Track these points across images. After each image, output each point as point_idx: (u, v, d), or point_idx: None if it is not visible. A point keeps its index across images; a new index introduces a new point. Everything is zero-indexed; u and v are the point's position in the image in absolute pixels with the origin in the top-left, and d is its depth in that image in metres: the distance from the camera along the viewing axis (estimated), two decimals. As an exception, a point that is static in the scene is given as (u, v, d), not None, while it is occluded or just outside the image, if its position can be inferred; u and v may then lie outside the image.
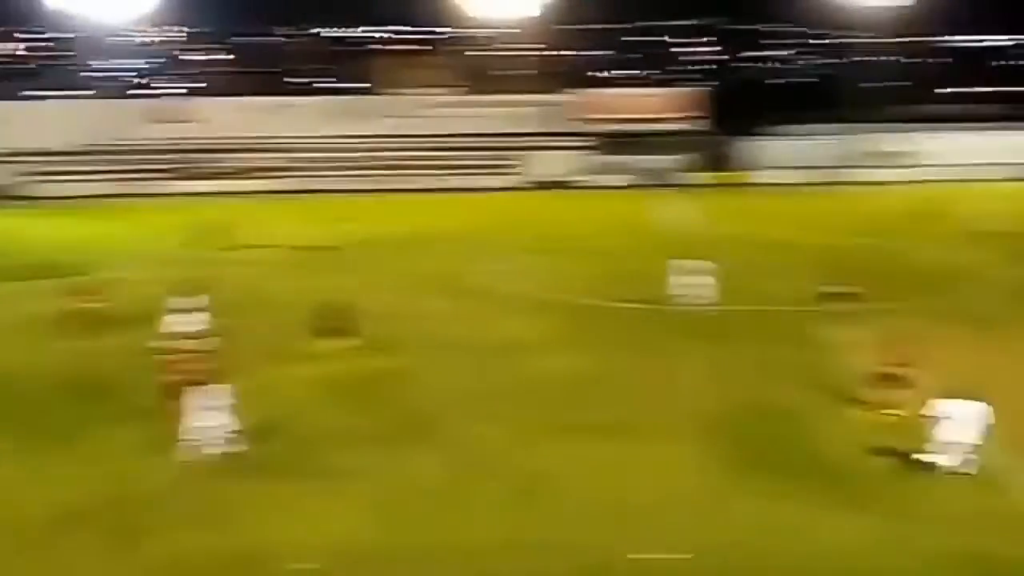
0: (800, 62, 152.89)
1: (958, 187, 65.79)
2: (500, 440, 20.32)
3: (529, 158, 75.36)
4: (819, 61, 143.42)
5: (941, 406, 18.23)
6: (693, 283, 32.09)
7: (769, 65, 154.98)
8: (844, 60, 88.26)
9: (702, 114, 77.98)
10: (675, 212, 54.75)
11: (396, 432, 20.80)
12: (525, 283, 36.38)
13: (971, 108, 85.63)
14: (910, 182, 68.37)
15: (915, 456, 18.40)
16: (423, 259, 41.68)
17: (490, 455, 19.57)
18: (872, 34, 74.62)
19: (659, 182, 72.89)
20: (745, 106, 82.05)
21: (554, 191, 70.59)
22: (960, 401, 18.13)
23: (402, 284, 35.86)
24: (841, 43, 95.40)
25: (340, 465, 19.09)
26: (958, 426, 17.89)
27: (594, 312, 31.87)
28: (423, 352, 26.88)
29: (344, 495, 17.74)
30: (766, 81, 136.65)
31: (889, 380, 21.18)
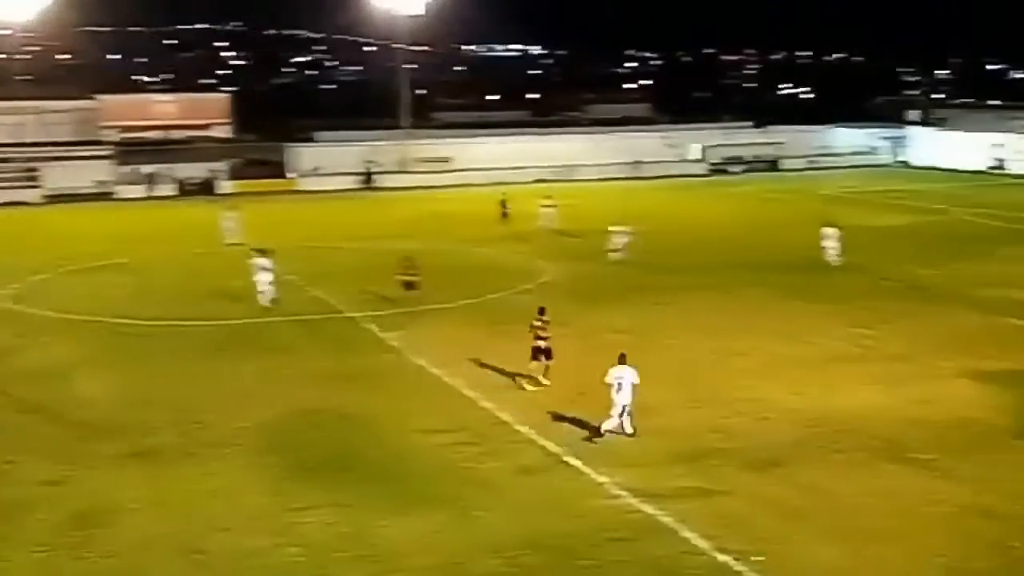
0: (338, 69, 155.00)
1: (491, 190, 69.38)
2: (48, 474, 18.50)
3: (47, 170, 69.46)
4: (354, 68, 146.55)
5: (615, 373, 19.74)
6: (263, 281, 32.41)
7: (307, 72, 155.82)
8: (379, 67, 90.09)
9: (232, 120, 75.89)
10: (217, 221, 52.91)
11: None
12: (55, 304, 33.58)
13: (499, 115, 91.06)
14: (446, 186, 71.19)
15: (604, 424, 19.73)
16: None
17: (39, 490, 17.78)
18: (404, 43, 76.60)
19: (194, 191, 70.22)
20: (283, 112, 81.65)
21: (78, 204, 65.42)
22: (625, 368, 19.82)
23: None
24: (375, 51, 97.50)
25: None
26: (626, 390, 19.64)
27: (143, 331, 30.01)
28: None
29: None
30: (304, 87, 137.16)
31: (539, 352, 23.31)
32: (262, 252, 33.09)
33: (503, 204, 52.29)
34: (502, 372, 24.39)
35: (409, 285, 32.82)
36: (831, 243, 37.93)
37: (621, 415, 19.69)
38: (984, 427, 20.17)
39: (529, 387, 23.18)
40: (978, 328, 28.27)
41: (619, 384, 19.64)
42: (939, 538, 15.30)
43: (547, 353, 23.31)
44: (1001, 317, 29.34)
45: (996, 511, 16.18)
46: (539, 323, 23.41)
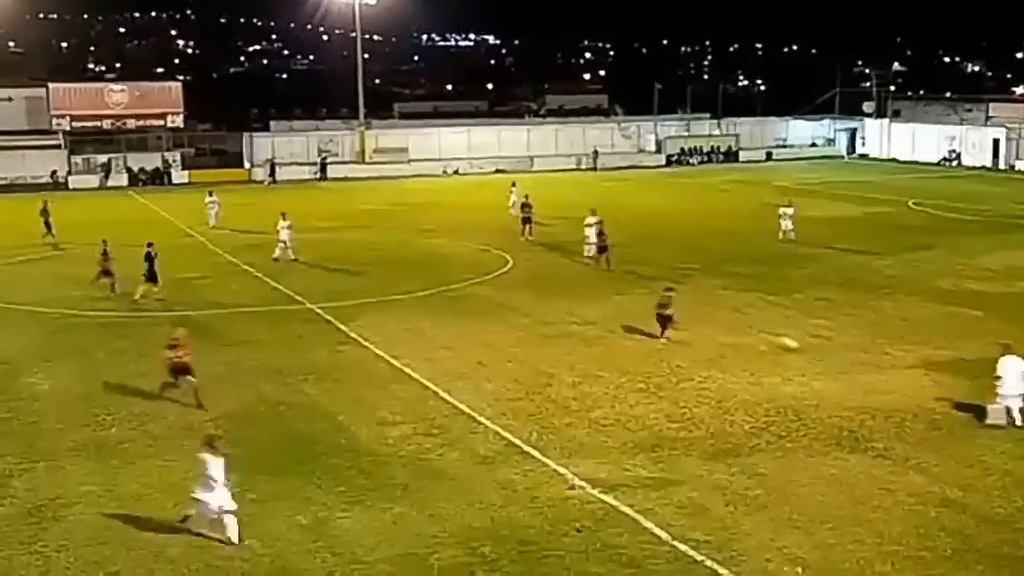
0: (293, 59, 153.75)
1: (451, 181, 69.50)
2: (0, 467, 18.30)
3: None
4: (306, 57, 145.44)
5: (1009, 364, 19.76)
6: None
7: (258, 61, 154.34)
8: (335, 57, 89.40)
9: (186, 109, 74.69)
10: (172, 212, 52.46)
11: None
12: (6, 295, 33.16)
13: (457, 105, 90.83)
14: (404, 177, 70.91)
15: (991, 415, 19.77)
16: None
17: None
18: (359, 33, 76.03)
19: (147, 181, 69.33)
20: (238, 101, 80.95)
21: (31, 194, 64.22)
22: (1011, 358, 19.88)
23: None
24: (330, 40, 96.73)
25: None
26: (1016, 379, 19.69)
27: (97, 322, 29.67)
28: None
29: None
30: (259, 77, 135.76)
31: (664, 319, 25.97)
32: (283, 215, 38.33)
33: (525, 207, 43.23)
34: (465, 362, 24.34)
35: (665, 319, 26.31)
36: (787, 221, 41.22)
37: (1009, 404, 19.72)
38: (939, 417, 20.36)
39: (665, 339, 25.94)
40: (933, 319, 28.57)
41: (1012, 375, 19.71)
42: (897, 527, 15.42)
43: (667, 319, 25.96)
44: (955, 307, 29.68)
45: (952, 499, 16.35)
46: (664, 298, 26.14)
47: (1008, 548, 14.69)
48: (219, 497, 15.18)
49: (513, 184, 49.83)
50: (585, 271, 35.99)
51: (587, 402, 21.45)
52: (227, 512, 15.22)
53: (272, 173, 70.50)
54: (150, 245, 31.88)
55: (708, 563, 14.37)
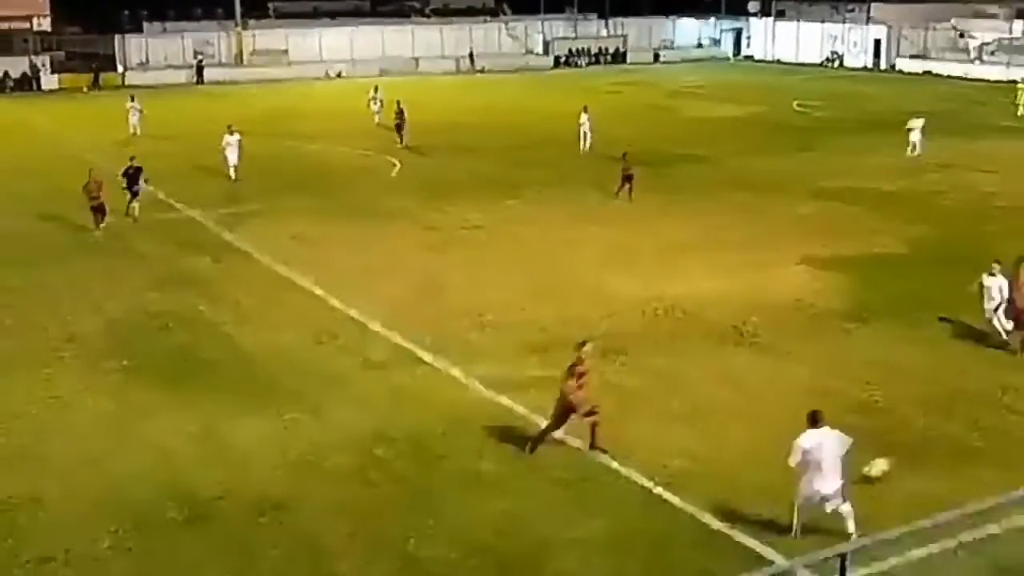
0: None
1: (332, 84, 68.14)
2: None
3: None
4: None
5: (993, 281, 18.72)
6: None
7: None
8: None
9: (48, 11, 70.86)
10: (43, 120, 50.41)
11: None
12: None
13: (337, 4, 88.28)
14: (283, 80, 69.11)
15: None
16: None
17: None
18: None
19: (15, 88, 66.27)
20: (105, 2, 77.49)
21: None
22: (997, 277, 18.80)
23: None
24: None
25: None
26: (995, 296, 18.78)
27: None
28: None
29: None
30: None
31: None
32: (230, 128, 34.88)
33: (399, 113, 41.88)
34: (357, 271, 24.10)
35: (628, 179, 31.28)
36: (916, 135, 38.23)
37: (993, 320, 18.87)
38: (820, 311, 20.94)
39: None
40: (815, 216, 29.21)
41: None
42: (781, 417, 15.74)
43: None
44: (837, 205, 30.38)
45: (832, 389, 16.83)
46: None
47: (886, 435, 15.22)
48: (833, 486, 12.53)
49: (375, 88, 48.90)
50: (472, 176, 35.72)
51: (479, 306, 21.41)
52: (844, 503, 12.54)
53: (200, 73, 69.61)
54: (132, 159, 29.41)
55: (600, 457, 14.60)
